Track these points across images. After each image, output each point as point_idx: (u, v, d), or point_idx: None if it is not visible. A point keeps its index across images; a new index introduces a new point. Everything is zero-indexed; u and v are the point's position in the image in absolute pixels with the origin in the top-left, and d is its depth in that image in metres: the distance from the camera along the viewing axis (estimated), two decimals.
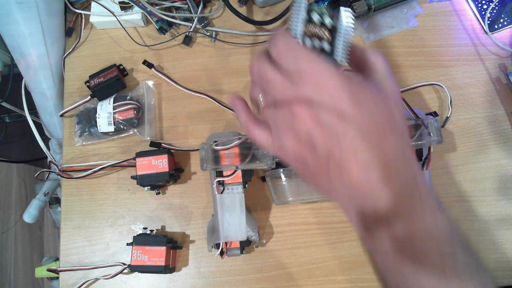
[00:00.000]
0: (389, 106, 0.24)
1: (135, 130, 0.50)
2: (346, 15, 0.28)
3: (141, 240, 0.44)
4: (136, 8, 0.52)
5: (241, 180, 0.43)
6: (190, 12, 0.53)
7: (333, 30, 0.29)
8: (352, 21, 0.28)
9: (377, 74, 0.26)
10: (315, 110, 0.23)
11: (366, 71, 0.27)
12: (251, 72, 0.28)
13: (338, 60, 0.27)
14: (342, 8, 0.28)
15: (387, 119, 0.24)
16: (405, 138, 0.25)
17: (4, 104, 0.62)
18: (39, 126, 0.55)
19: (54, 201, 0.94)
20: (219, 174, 0.42)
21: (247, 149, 0.39)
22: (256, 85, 0.28)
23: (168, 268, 0.44)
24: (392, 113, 0.24)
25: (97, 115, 0.49)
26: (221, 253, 0.42)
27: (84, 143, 0.50)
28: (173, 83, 0.52)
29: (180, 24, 0.53)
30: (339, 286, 0.45)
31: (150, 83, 0.52)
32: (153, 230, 0.46)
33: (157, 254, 0.43)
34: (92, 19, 0.53)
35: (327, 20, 0.29)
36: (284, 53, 0.25)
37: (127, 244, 0.45)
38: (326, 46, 0.28)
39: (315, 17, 0.29)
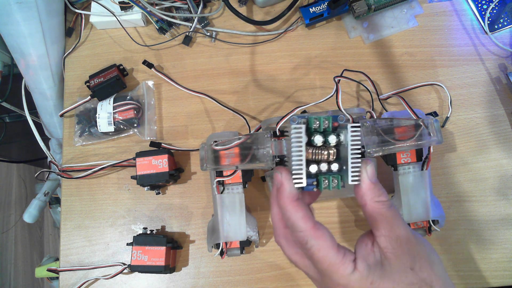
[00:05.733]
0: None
1: (135, 130, 0.50)
2: (352, 134, 0.28)
3: (141, 240, 0.44)
4: (136, 8, 0.52)
5: (241, 180, 0.43)
6: (190, 12, 0.53)
7: (338, 144, 0.29)
8: (359, 139, 0.28)
9: (381, 241, 0.29)
10: None
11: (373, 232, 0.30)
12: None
13: (349, 182, 0.28)
14: (349, 126, 0.28)
15: None
16: None
17: (4, 104, 0.62)
18: (39, 126, 0.55)
19: (54, 201, 0.94)
20: (219, 174, 0.42)
21: (247, 149, 0.39)
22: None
23: (168, 268, 0.44)
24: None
25: (97, 115, 0.49)
26: (221, 253, 0.42)
27: (84, 143, 0.50)
28: (173, 83, 0.52)
29: (180, 24, 0.53)
30: None
31: (150, 83, 0.52)
32: (153, 230, 0.46)
33: (157, 254, 0.43)
34: (92, 19, 0.53)
35: (331, 140, 0.29)
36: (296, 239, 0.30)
37: (127, 244, 0.45)
38: (334, 167, 0.29)
39: (318, 139, 0.29)
